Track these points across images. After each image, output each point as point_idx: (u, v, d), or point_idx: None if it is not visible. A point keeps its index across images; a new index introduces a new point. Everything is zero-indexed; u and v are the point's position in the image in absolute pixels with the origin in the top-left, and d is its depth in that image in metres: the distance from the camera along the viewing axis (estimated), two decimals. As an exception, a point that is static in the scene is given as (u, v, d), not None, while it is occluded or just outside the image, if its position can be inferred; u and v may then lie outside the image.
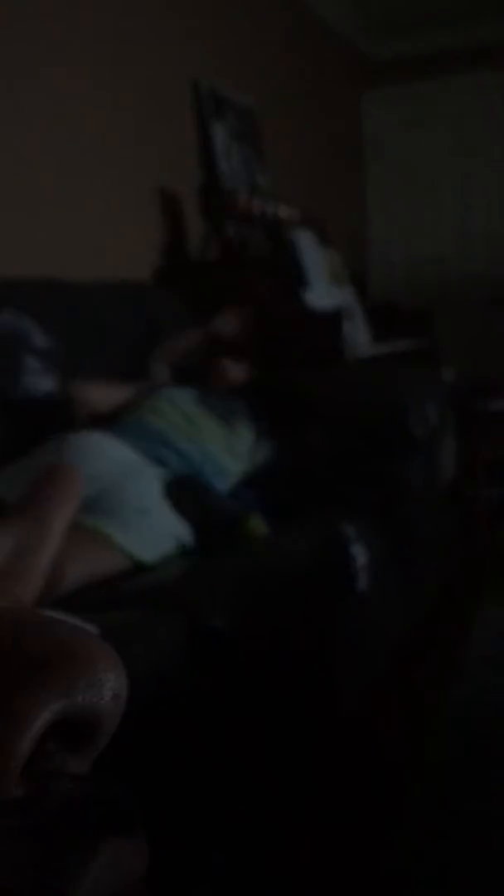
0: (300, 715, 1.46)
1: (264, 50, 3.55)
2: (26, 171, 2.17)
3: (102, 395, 1.87)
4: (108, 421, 1.77)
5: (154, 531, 1.47)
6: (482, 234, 4.67)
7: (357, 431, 2.01)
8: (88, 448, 1.59)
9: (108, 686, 0.25)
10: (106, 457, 1.59)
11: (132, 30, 2.64)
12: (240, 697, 1.24)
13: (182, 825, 1.05)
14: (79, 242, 2.36)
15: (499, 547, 3.17)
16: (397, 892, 1.34)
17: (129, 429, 1.72)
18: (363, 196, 4.89)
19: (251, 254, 2.94)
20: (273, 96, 3.58)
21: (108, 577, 1.37)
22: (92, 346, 2.05)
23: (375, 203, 4.90)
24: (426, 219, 4.79)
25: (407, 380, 2.25)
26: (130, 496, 1.50)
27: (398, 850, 1.41)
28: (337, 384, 2.21)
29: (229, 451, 1.81)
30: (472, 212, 4.69)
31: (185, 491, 1.62)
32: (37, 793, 0.23)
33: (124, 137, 2.58)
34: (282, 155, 3.57)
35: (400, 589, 2.00)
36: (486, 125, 4.61)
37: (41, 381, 1.89)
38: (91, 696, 0.24)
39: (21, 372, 1.84)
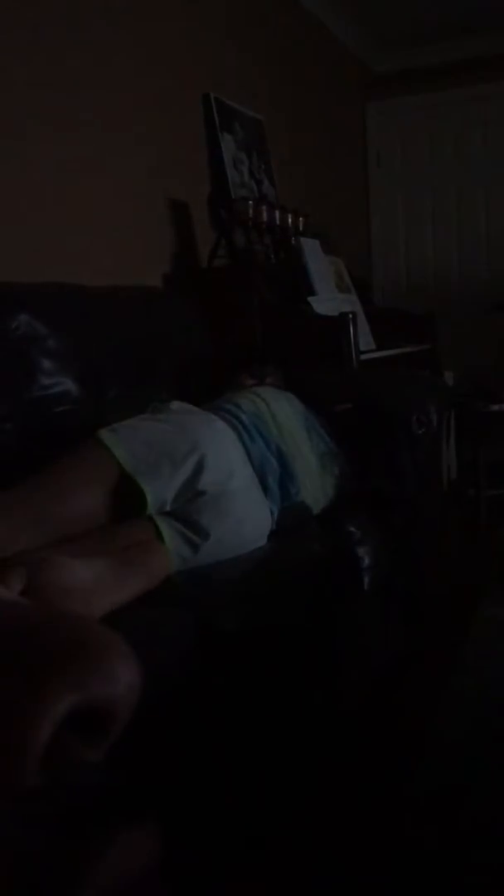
0: (305, 710, 1.48)
1: (271, 64, 3.61)
2: (44, 181, 2.22)
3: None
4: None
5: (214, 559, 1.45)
6: (483, 242, 4.72)
7: (360, 433, 2.03)
8: (221, 452, 1.56)
9: (121, 679, 0.25)
10: (229, 466, 1.56)
11: (146, 46, 2.70)
12: (247, 694, 1.25)
13: (191, 816, 1.07)
14: (93, 250, 2.40)
15: (499, 547, 3.20)
16: (398, 889, 1.35)
17: (246, 422, 1.69)
18: (367, 205, 4.94)
19: (258, 261, 2.98)
20: (280, 109, 3.63)
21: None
22: (104, 349, 2.08)
23: (379, 211, 4.96)
24: (428, 227, 4.85)
25: (409, 383, 2.26)
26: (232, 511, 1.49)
27: (399, 847, 1.43)
28: (341, 387, 2.24)
29: (311, 488, 1.77)
30: (472, 220, 4.74)
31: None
32: (54, 782, 0.23)
33: (137, 149, 2.64)
34: (288, 165, 3.62)
35: (402, 588, 2.02)
36: (487, 136, 4.67)
37: (55, 383, 1.92)
38: (105, 688, 0.24)
39: (36, 373, 1.87)
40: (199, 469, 1.49)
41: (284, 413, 1.84)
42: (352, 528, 1.75)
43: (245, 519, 1.52)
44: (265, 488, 1.64)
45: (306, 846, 1.34)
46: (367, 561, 1.71)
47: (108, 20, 2.51)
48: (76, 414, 1.92)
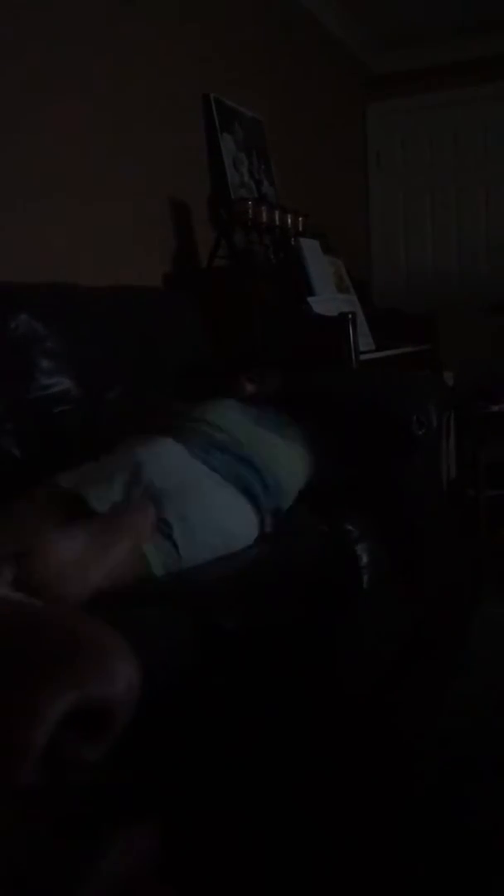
0: (305, 709, 1.47)
1: (271, 64, 3.62)
2: (44, 181, 2.22)
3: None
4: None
5: (199, 556, 1.45)
6: (483, 242, 4.73)
7: (360, 433, 2.03)
8: (163, 457, 1.58)
9: (121, 678, 0.25)
10: (175, 465, 1.57)
11: (147, 46, 2.70)
12: (247, 693, 1.25)
13: (191, 815, 1.06)
14: (93, 250, 2.41)
15: (499, 547, 3.20)
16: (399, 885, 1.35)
17: (196, 442, 1.68)
18: (366, 205, 4.95)
19: (258, 261, 2.98)
20: (279, 109, 3.64)
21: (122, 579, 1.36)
22: (103, 349, 2.07)
23: (378, 212, 4.96)
24: (428, 227, 4.85)
25: (409, 383, 2.27)
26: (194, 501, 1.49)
27: (400, 845, 1.43)
28: (341, 387, 2.25)
29: (288, 468, 1.77)
30: (472, 221, 4.74)
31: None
32: (54, 780, 0.24)
33: (138, 149, 2.64)
34: (288, 166, 3.63)
35: (401, 588, 2.02)
36: (487, 136, 4.67)
37: (54, 383, 1.92)
38: (105, 687, 0.25)
39: (35, 373, 1.87)
40: (137, 469, 1.50)
41: (227, 419, 1.82)
42: (350, 527, 1.75)
43: (213, 506, 1.51)
44: (254, 497, 1.62)
45: (307, 845, 1.34)
46: (365, 559, 1.71)
47: (108, 20, 2.51)
48: (75, 414, 1.93)
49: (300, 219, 3.17)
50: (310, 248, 3.02)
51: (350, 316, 2.60)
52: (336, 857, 1.36)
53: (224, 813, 1.16)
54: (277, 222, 3.04)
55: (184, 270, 2.88)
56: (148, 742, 0.78)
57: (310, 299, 2.82)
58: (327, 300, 2.90)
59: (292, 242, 3.04)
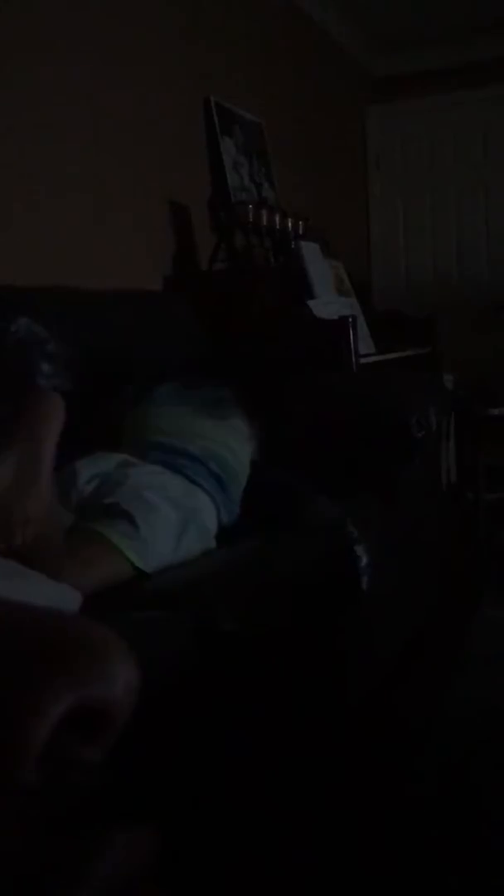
0: (305, 710, 1.47)
1: (271, 68, 3.62)
2: (44, 185, 2.23)
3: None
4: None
5: (163, 530, 1.45)
6: (482, 245, 4.73)
7: (360, 435, 2.03)
8: (100, 459, 1.61)
9: (119, 679, 0.25)
10: (100, 458, 1.61)
11: (147, 49, 2.71)
12: (246, 695, 1.24)
13: (190, 817, 1.06)
14: (93, 253, 2.41)
15: (498, 549, 3.21)
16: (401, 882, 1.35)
17: (140, 448, 1.70)
18: (366, 208, 4.95)
19: (258, 264, 2.98)
20: (279, 112, 3.64)
21: (111, 584, 1.34)
22: (104, 352, 2.07)
23: (378, 215, 4.96)
24: (428, 229, 4.86)
25: (409, 385, 2.27)
26: (142, 486, 1.50)
27: (401, 844, 1.43)
28: (341, 390, 2.25)
29: (228, 447, 1.77)
30: (472, 223, 4.75)
31: (280, 500, 1.64)
32: (52, 781, 0.23)
33: (138, 152, 2.65)
34: (288, 168, 3.63)
35: (402, 589, 2.02)
36: (487, 139, 4.68)
37: (55, 386, 1.92)
38: (103, 688, 0.24)
39: (36, 376, 1.87)
40: (72, 474, 1.55)
41: (166, 418, 1.82)
42: (350, 528, 1.75)
43: (166, 485, 1.53)
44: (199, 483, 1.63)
45: (307, 846, 1.34)
46: (365, 560, 1.71)
47: (108, 24, 2.52)
48: (75, 418, 1.92)
49: (300, 222, 3.17)
50: (310, 251, 3.03)
51: (350, 319, 2.60)
52: (336, 859, 1.36)
53: (223, 815, 1.16)
54: (277, 225, 3.04)
55: (184, 273, 2.88)
56: (146, 743, 0.78)
57: (310, 302, 2.83)
58: (327, 303, 2.90)
59: (292, 245, 3.04)
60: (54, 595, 1.18)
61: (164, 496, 1.51)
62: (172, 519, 1.47)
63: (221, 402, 1.89)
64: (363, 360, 2.68)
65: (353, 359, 2.57)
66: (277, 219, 3.04)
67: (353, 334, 2.58)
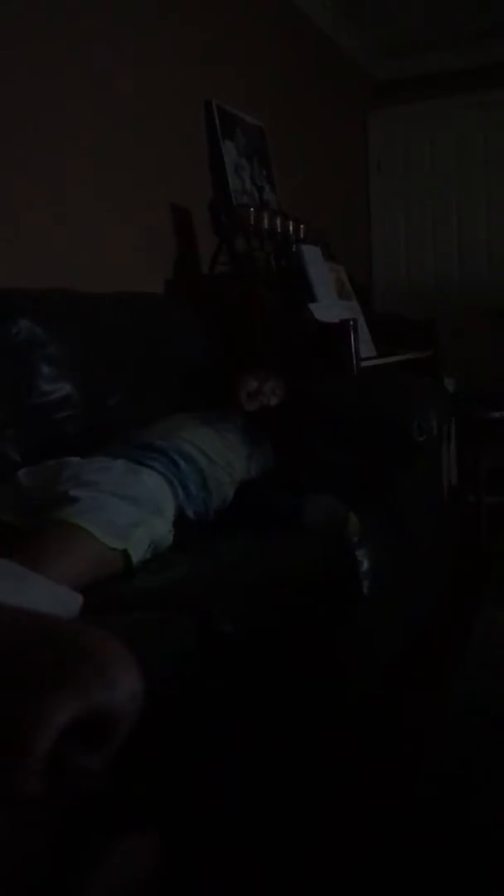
0: (305, 713, 1.47)
1: (273, 71, 3.63)
2: (45, 187, 2.23)
3: None
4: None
5: (110, 497, 1.44)
6: (483, 249, 4.74)
7: (361, 438, 2.03)
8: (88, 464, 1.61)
9: (123, 686, 0.25)
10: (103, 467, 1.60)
11: (148, 53, 2.71)
12: (247, 698, 1.24)
13: (191, 821, 1.06)
14: (94, 256, 2.41)
15: (499, 552, 3.21)
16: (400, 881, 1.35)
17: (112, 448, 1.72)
18: (367, 212, 4.96)
19: (259, 268, 2.99)
20: (281, 116, 3.65)
21: (101, 575, 1.34)
22: (105, 355, 2.07)
23: (380, 218, 4.97)
24: (429, 234, 4.87)
25: (410, 389, 2.27)
26: (112, 481, 1.51)
27: (402, 846, 1.43)
28: (342, 393, 2.25)
29: (200, 450, 1.76)
30: (473, 227, 4.75)
31: (251, 493, 1.65)
32: (56, 789, 0.24)
33: (139, 155, 2.65)
34: (289, 172, 3.63)
35: (403, 593, 2.02)
36: (488, 143, 4.69)
37: (56, 389, 1.93)
38: (108, 696, 0.25)
39: (36, 379, 1.88)
40: (14, 482, 1.57)
41: (159, 420, 1.86)
42: (349, 531, 1.75)
43: (111, 468, 1.55)
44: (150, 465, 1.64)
45: (307, 849, 1.33)
46: (366, 565, 1.71)
47: (109, 28, 2.52)
48: (76, 420, 1.93)
49: (301, 225, 3.17)
50: (311, 255, 3.03)
51: (351, 322, 2.60)
52: (336, 860, 1.35)
53: (225, 820, 1.16)
54: (279, 229, 3.04)
55: (185, 276, 2.89)
56: (147, 747, 0.79)
57: (311, 305, 2.83)
58: (329, 306, 2.90)
59: (293, 249, 3.04)
60: (55, 599, 1.17)
61: (103, 475, 1.52)
62: (114, 478, 1.50)
63: (227, 419, 1.90)
64: (364, 364, 2.68)
65: (354, 362, 2.57)
66: (279, 222, 3.04)
67: (354, 337, 2.58)
